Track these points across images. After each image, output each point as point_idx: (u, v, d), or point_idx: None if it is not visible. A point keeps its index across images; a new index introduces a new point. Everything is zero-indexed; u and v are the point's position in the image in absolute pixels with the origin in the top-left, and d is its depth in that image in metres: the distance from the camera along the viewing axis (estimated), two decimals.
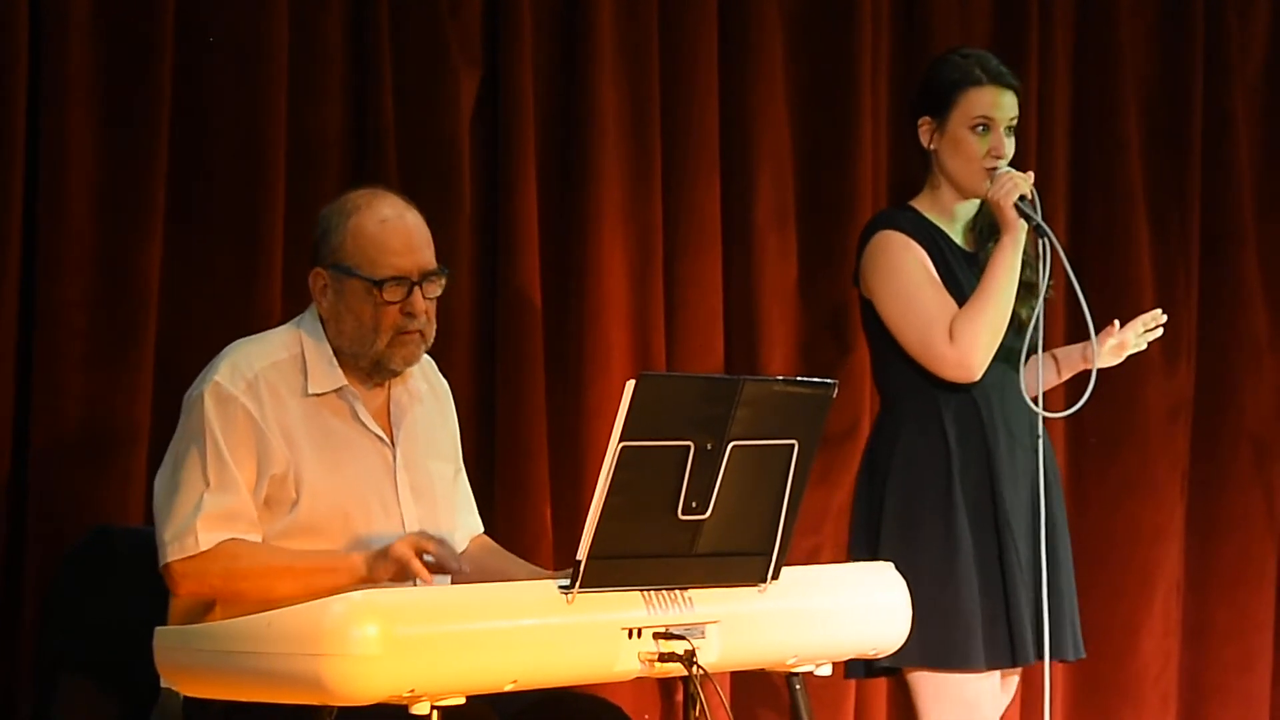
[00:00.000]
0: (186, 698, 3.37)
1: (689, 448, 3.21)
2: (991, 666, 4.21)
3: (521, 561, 3.79)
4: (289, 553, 3.48)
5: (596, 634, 3.20)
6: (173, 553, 3.44)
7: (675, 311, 4.97)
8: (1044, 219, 4.19)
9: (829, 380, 3.40)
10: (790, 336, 5.15)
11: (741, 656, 3.43)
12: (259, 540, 3.49)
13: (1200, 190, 5.77)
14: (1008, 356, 4.25)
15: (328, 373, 3.59)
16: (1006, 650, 4.20)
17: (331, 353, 3.60)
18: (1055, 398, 4.68)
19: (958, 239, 4.35)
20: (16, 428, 4.12)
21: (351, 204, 3.60)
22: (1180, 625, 5.76)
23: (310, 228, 3.65)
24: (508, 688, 3.14)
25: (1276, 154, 5.88)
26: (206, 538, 3.44)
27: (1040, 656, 4.21)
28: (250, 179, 4.36)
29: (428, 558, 3.39)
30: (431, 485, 3.68)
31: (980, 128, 4.26)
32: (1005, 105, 4.28)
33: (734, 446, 3.25)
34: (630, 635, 3.22)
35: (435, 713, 3.08)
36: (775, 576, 3.40)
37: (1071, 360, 4.47)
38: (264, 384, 3.53)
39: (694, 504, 3.25)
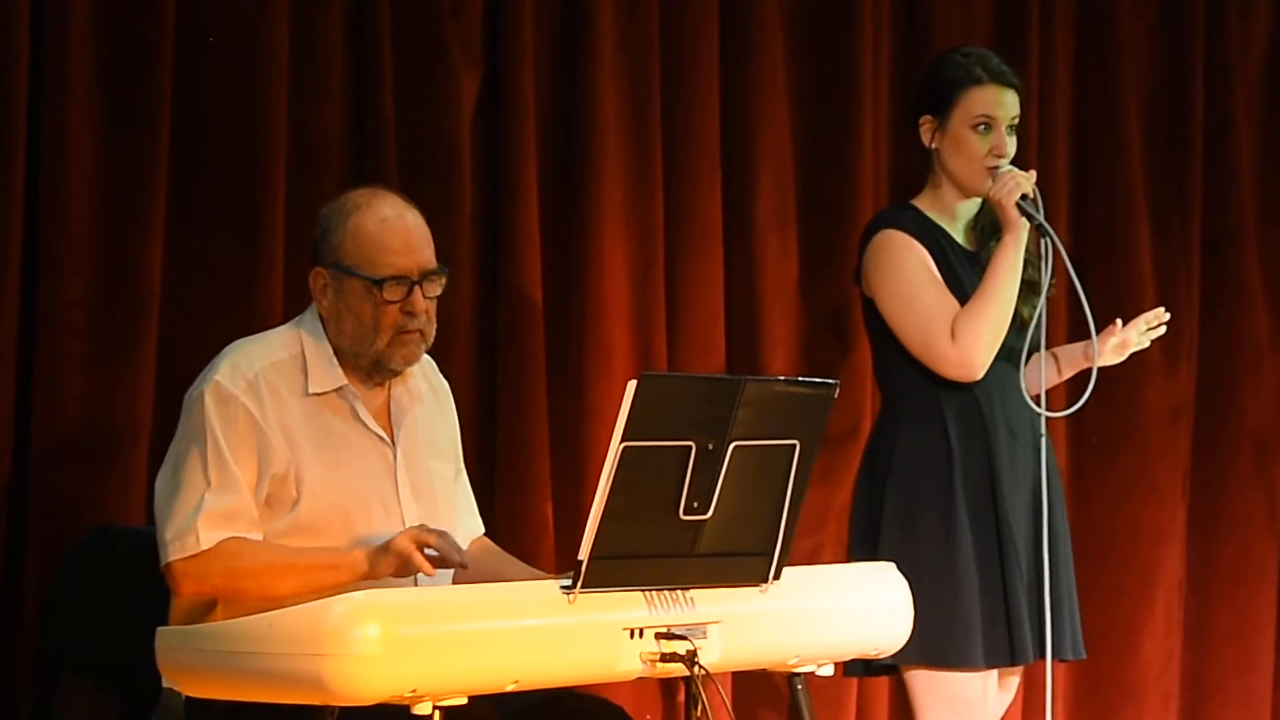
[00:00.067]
0: (188, 698, 3.37)
1: (690, 448, 3.21)
2: (990, 665, 4.21)
3: (521, 564, 3.78)
4: (290, 550, 3.48)
5: (598, 634, 3.20)
6: (174, 552, 3.44)
7: (676, 311, 4.97)
8: (1046, 218, 4.19)
9: (830, 380, 3.40)
10: (791, 336, 5.15)
11: (743, 657, 3.43)
12: (260, 539, 3.48)
13: (1201, 191, 5.77)
14: (1009, 355, 4.25)
15: (328, 372, 3.59)
16: (1005, 649, 4.20)
17: (332, 352, 3.60)
18: (1056, 397, 4.68)
19: (959, 238, 4.35)
20: (17, 428, 4.11)
21: (351, 203, 3.60)
22: (1181, 625, 5.76)
23: (311, 227, 3.65)
24: (509, 688, 3.14)
25: (1277, 155, 5.88)
26: (207, 537, 3.43)
27: (1039, 656, 4.21)
28: (251, 179, 4.36)
29: (430, 551, 3.38)
30: (432, 485, 3.68)
31: (982, 126, 4.26)
32: (1007, 104, 4.28)
33: (735, 447, 3.25)
34: (632, 635, 3.22)
35: (437, 713, 3.08)
36: (777, 577, 3.40)
37: (1073, 358, 4.47)
38: (264, 383, 3.53)
39: (695, 504, 3.25)
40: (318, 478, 3.53)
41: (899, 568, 3.71)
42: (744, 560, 3.37)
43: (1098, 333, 4.29)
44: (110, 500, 4.15)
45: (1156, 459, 5.69)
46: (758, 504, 3.34)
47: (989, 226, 4.32)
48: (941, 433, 4.23)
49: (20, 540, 4.11)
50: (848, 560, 4.33)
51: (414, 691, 3.03)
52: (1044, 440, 4.24)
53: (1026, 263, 4.24)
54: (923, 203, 4.35)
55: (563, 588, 3.17)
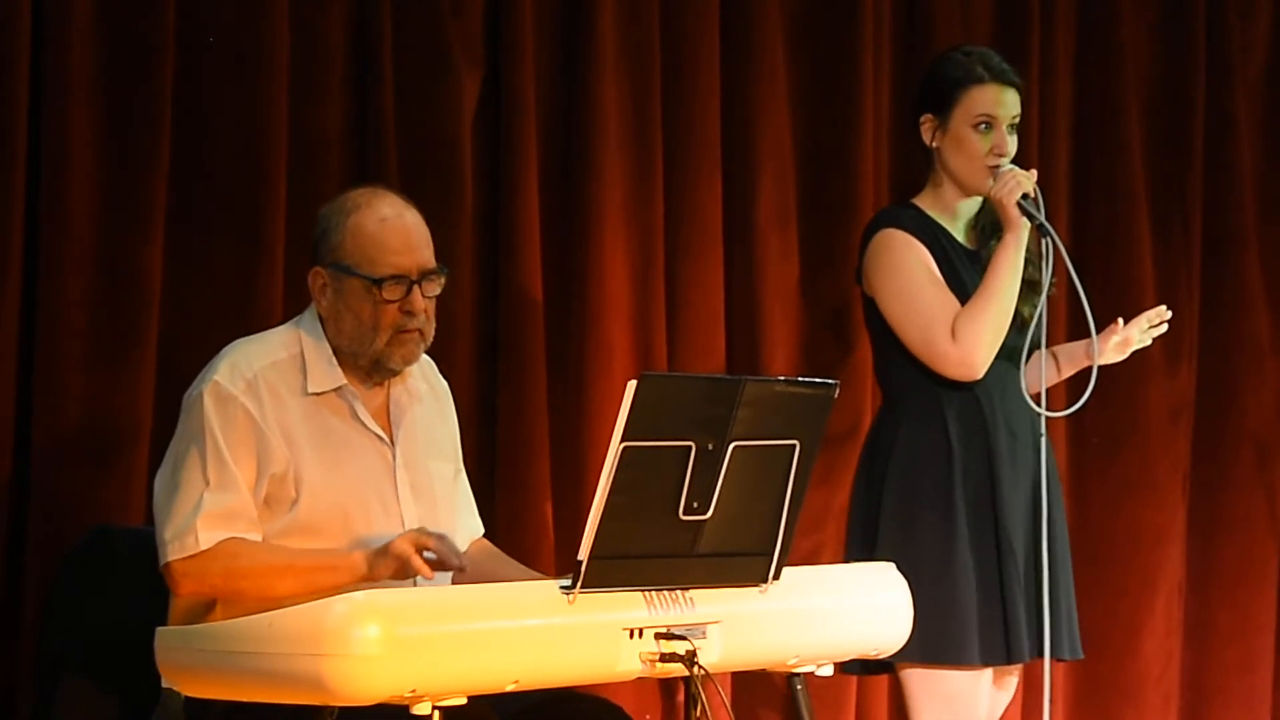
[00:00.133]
0: (188, 698, 3.37)
1: (690, 448, 3.21)
2: (985, 664, 4.21)
3: (520, 566, 3.78)
4: (289, 551, 3.48)
5: (598, 634, 3.19)
6: (173, 552, 3.44)
7: (677, 312, 4.97)
8: (1047, 218, 4.19)
9: (830, 380, 3.40)
10: (792, 336, 5.14)
11: (743, 657, 3.43)
12: (259, 539, 3.48)
13: (1202, 192, 5.77)
14: (1009, 354, 4.25)
15: (327, 372, 3.59)
16: (1001, 648, 4.20)
17: (331, 352, 3.60)
18: (1056, 397, 4.68)
19: (960, 237, 4.35)
20: (17, 428, 4.11)
21: (351, 203, 3.60)
22: (1182, 626, 5.76)
23: (311, 227, 3.65)
24: (509, 688, 3.14)
25: (1278, 155, 5.88)
26: (206, 537, 3.43)
27: (1036, 655, 4.21)
28: (251, 179, 4.36)
29: (428, 554, 3.38)
30: (431, 485, 3.68)
31: (983, 125, 4.26)
32: (1008, 103, 4.28)
33: (735, 447, 3.25)
34: (631, 635, 3.22)
35: (436, 713, 3.08)
36: (776, 577, 3.40)
37: (1074, 357, 4.47)
38: (263, 383, 3.53)
39: (695, 504, 3.25)
40: (317, 478, 3.53)
41: (897, 566, 3.71)
42: (744, 560, 3.37)
43: (1098, 332, 4.29)
44: (110, 500, 4.15)
45: (1157, 459, 5.69)
46: (757, 504, 3.34)
47: (990, 226, 4.33)
48: (942, 432, 4.23)
49: (20, 540, 4.11)
50: (846, 558, 4.33)
51: (414, 692, 3.03)
52: (1044, 440, 4.24)
53: (1027, 262, 4.24)
54: (924, 202, 4.35)
55: (562, 588, 3.17)
